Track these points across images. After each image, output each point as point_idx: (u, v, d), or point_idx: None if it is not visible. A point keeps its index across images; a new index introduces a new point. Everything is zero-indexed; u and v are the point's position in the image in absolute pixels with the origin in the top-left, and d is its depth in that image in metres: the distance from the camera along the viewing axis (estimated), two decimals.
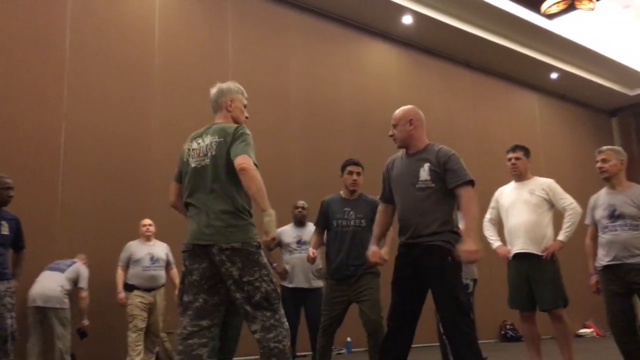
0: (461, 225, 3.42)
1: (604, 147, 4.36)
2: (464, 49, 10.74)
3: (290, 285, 5.66)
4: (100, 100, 7.03)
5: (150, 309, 6.11)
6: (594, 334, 11.51)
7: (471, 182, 3.32)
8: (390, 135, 3.61)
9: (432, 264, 3.24)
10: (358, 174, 4.58)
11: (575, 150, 13.22)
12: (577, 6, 8.65)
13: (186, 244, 3.07)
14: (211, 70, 8.04)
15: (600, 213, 4.25)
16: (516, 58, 11.14)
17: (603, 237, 4.22)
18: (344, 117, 9.20)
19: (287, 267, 5.69)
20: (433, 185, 3.33)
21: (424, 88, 10.54)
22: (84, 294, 5.92)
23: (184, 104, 7.65)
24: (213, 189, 3.05)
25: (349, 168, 4.60)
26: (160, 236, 6.39)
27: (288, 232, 5.81)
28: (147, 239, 6.29)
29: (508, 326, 10.35)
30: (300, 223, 5.77)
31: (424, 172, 3.36)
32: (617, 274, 4.10)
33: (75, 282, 5.89)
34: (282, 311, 3.05)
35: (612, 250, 4.12)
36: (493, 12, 9.75)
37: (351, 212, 4.49)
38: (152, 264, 6.17)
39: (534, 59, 11.25)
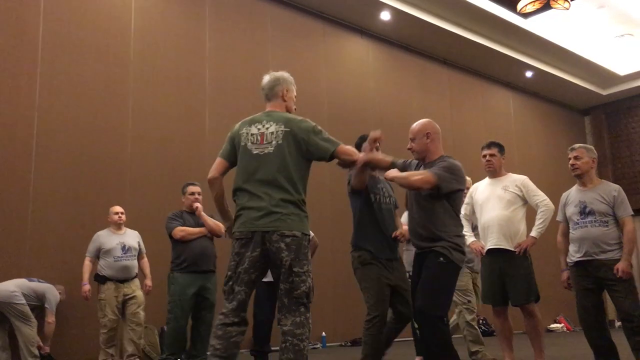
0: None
1: (576, 145, 4.43)
2: (441, 46, 10.81)
3: (265, 280, 5.65)
4: (74, 91, 6.91)
5: (126, 300, 5.82)
6: (564, 328, 11.72)
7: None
8: (409, 149, 3.80)
9: (428, 264, 3.51)
10: None
11: (549, 147, 13.41)
12: (553, 5, 8.77)
13: (242, 232, 3.05)
14: (187, 62, 7.97)
15: (571, 210, 4.32)
16: (492, 56, 11.25)
17: (574, 234, 4.29)
18: (322, 112, 9.20)
19: None
20: (434, 193, 3.54)
21: (401, 84, 10.58)
22: (51, 319, 5.77)
23: (160, 96, 7.58)
24: (276, 178, 3.04)
25: None
26: (133, 227, 6.25)
27: None
28: (118, 227, 6.00)
29: (481, 321, 10.48)
30: None
31: None
32: (588, 269, 4.17)
33: (40, 298, 5.76)
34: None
35: (583, 246, 4.20)
36: (470, 10, 9.82)
37: (384, 188, 4.34)
38: (125, 253, 5.87)
39: (510, 57, 11.38)
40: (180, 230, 5.31)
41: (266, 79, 3.47)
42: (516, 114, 12.88)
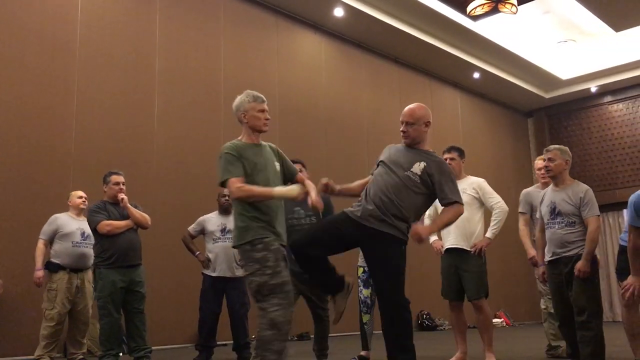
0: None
1: (551, 147, 4.57)
2: (392, 44, 10.93)
3: (213, 274, 5.61)
4: (17, 75, 6.65)
5: (77, 294, 5.52)
6: (504, 323, 12.10)
7: (455, 202, 3.49)
8: (403, 131, 3.62)
9: (380, 250, 3.39)
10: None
11: (494, 147, 13.79)
12: (501, 9, 8.99)
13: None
14: (137, 51, 7.79)
15: (544, 209, 4.52)
16: (442, 56, 11.46)
17: (546, 233, 4.49)
18: (273, 106, 9.09)
19: (210, 255, 5.64)
20: (418, 182, 3.44)
21: (352, 80, 10.65)
22: None
23: (107, 84, 7.38)
24: None
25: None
26: None
27: (213, 220, 5.74)
28: (79, 213, 5.70)
29: (425, 315, 10.70)
30: (225, 211, 5.71)
31: (418, 167, 3.46)
32: (557, 267, 4.36)
33: None
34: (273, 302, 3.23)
35: (551, 246, 4.40)
36: (422, 10, 9.97)
37: (301, 211, 4.41)
38: (84, 239, 5.55)
39: (459, 57, 11.61)
40: (106, 225, 5.03)
41: None
42: (463, 113, 13.17)
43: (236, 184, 3.34)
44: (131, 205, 5.24)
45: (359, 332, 5.32)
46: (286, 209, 4.13)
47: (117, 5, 7.72)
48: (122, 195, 5.20)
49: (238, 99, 3.68)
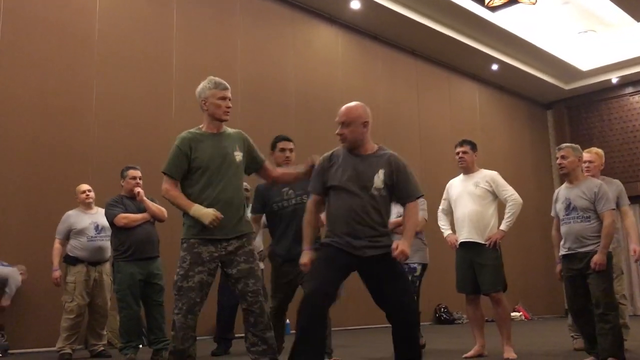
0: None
1: (563, 145, 4.64)
2: (410, 36, 10.86)
3: None
4: (36, 71, 6.73)
5: (95, 287, 5.62)
6: (522, 317, 12.02)
7: (421, 196, 3.39)
8: (339, 134, 3.30)
9: (385, 269, 3.26)
10: (290, 150, 4.33)
11: (512, 140, 13.67)
12: (519, 0, 8.89)
13: None
14: (154, 45, 7.83)
15: (559, 206, 4.56)
16: (460, 48, 11.36)
17: (562, 229, 4.51)
18: (289, 98, 9.18)
19: None
20: (385, 193, 3.28)
21: (369, 74, 10.61)
22: (6, 302, 5.67)
23: (125, 79, 7.44)
24: None
25: (281, 145, 4.33)
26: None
27: None
28: (88, 206, 5.76)
29: (442, 309, 10.67)
30: None
31: (379, 180, 3.25)
32: (573, 262, 4.38)
33: (2, 282, 5.62)
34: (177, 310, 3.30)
35: (567, 241, 4.42)
36: (439, 1, 9.89)
37: (290, 191, 4.42)
38: (98, 233, 5.62)
39: (477, 49, 11.51)
40: (123, 218, 5.09)
41: None
42: (481, 106, 13.07)
43: (166, 185, 3.45)
44: (148, 199, 5.29)
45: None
46: (274, 192, 4.18)
47: (134, 0, 7.77)
48: (138, 189, 5.25)
49: (200, 85, 3.57)
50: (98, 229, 5.65)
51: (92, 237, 5.62)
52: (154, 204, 5.31)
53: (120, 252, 5.11)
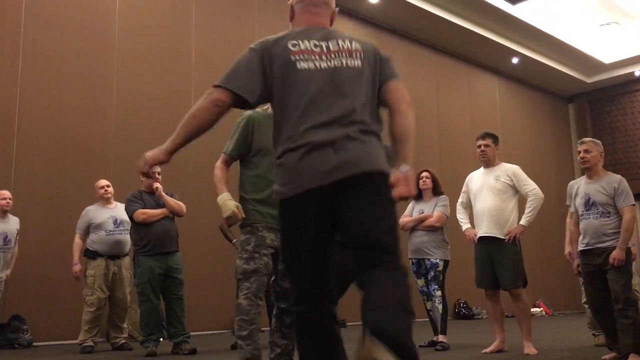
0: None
1: (586, 139, 4.57)
2: (429, 30, 10.78)
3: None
4: (57, 68, 6.82)
5: (114, 280, 5.69)
6: (543, 312, 11.91)
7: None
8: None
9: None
10: None
11: (533, 134, 13.51)
12: None
13: None
14: (173, 41, 7.88)
15: (578, 201, 4.50)
16: (480, 42, 11.25)
17: (581, 224, 4.47)
18: None
19: None
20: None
21: None
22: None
23: (145, 75, 7.50)
24: None
25: None
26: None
27: None
28: (107, 201, 5.84)
29: (462, 304, 10.61)
30: None
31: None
32: (591, 257, 4.34)
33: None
34: (246, 291, 3.11)
35: (586, 236, 4.39)
36: None
37: None
38: (117, 227, 5.70)
39: (497, 43, 11.39)
40: (142, 213, 5.17)
41: None
42: (501, 100, 12.94)
43: (219, 162, 3.33)
44: (167, 194, 5.34)
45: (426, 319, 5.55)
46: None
47: None
48: (156, 184, 5.31)
49: None
50: (117, 223, 5.72)
51: (110, 230, 5.69)
52: (173, 199, 5.35)
53: (140, 247, 5.18)
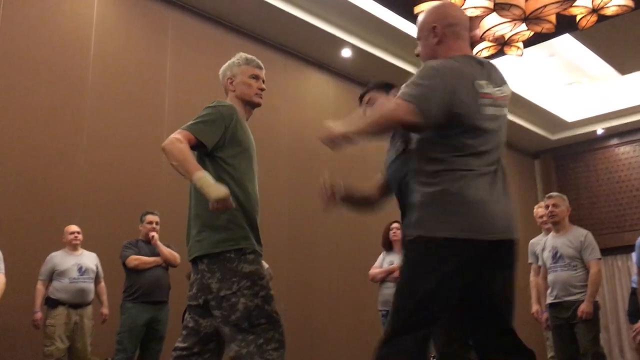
0: None
1: (554, 194, 4.69)
2: (401, 83, 11.02)
3: None
4: (27, 112, 6.74)
5: (75, 330, 5.48)
6: None
7: None
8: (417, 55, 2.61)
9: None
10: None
11: None
12: (506, 52, 9.10)
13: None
14: (147, 88, 7.90)
15: (546, 255, 4.57)
16: None
17: (549, 277, 4.59)
18: (282, 143, 9.22)
19: None
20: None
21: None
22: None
23: (117, 120, 7.46)
24: None
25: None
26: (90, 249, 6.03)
27: None
28: (74, 248, 5.72)
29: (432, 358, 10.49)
30: None
31: None
32: (559, 311, 4.37)
33: None
34: (270, 335, 2.41)
35: (554, 289, 4.43)
36: None
37: None
38: (81, 275, 5.56)
39: None
40: (135, 259, 5.21)
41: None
42: None
43: (178, 135, 2.51)
44: (164, 245, 5.35)
45: None
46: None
47: (129, 42, 7.86)
48: (152, 233, 5.41)
49: (225, 64, 2.82)
50: (81, 270, 5.61)
51: (74, 278, 5.56)
52: (168, 249, 5.35)
53: (129, 294, 5.22)
